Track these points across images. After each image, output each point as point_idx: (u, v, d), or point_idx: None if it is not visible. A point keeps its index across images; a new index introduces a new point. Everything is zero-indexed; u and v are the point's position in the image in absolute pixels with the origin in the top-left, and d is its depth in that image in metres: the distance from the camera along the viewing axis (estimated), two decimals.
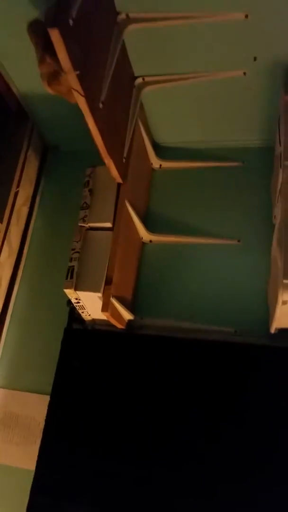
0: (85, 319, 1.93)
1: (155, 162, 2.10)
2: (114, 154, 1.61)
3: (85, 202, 1.78)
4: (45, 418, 1.79)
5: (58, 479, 1.71)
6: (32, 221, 2.25)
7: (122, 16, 1.48)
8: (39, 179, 2.32)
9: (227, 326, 1.80)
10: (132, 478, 1.65)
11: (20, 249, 2.19)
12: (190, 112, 1.94)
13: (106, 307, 1.67)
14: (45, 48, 1.27)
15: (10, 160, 2.11)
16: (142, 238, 2.02)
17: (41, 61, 1.31)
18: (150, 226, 2.02)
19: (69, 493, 1.69)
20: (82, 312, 1.88)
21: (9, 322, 2.10)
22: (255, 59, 1.61)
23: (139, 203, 1.97)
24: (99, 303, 1.70)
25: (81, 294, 1.71)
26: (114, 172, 1.67)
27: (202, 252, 1.96)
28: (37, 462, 1.73)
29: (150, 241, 2.03)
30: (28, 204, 2.24)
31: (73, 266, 1.70)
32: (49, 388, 1.83)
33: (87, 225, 1.75)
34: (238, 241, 1.94)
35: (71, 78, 1.22)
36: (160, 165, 2.12)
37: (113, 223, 1.73)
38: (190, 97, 1.85)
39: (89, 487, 1.67)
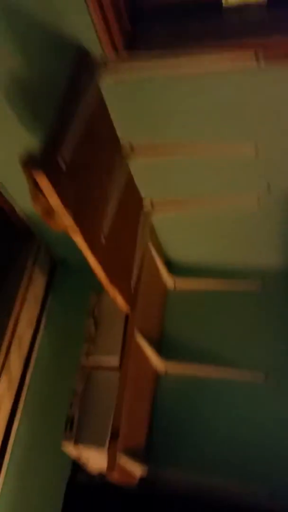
0: (91, 470, 1.62)
1: (169, 282, 1.92)
2: (121, 284, 1.44)
3: (89, 334, 1.57)
4: None
5: None
6: (37, 345, 2.04)
7: (126, 147, 1.40)
8: (46, 295, 2.16)
9: (259, 484, 1.45)
10: None
11: (22, 377, 1.96)
12: (203, 234, 1.79)
13: (112, 466, 1.38)
14: (37, 185, 1.16)
15: (13, 282, 1.97)
16: (156, 368, 1.76)
17: (33, 198, 1.20)
18: (165, 352, 1.77)
19: None
20: (87, 465, 1.57)
21: (7, 469, 1.79)
22: (268, 186, 1.48)
23: (152, 329, 1.75)
24: (105, 457, 1.40)
25: (83, 449, 1.43)
26: (121, 302, 1.48)
27: (224, 387, 1.68)
28: None
29: (166, 372, 1.77)
30: (33, 325, 2.05)
31: (73, 414, 1.44)
32: None
33: (90, 363, 1.52)
34: (265, 376, 1.66)
35: (64, 218, 1.09)
36: (175, 284, 1.93)
37: (121, 360, 1.50)
38: (202, 219, 1.71)
39: None
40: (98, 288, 1.58)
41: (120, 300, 1.47)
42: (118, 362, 1.49)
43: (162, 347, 1.80)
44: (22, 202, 1.85)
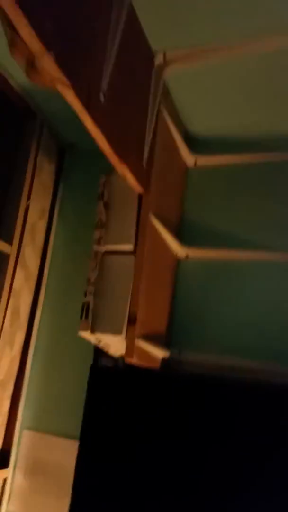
0: (113, 355, 1.60)
1: (189, 159, 1.68)
2: (130, 159, 1.24)
3: (100, 219, 1.42)
4: (74, 469, 1.52)
5: None
6: (52, 236, 1.94)
7: None
8: (56, 185, 1.99)
9: (281, 363, 1.40)
10: None
11: (40, 269, 1.90)
12: (230, 93, 1.48)
13: (130, 352, 1.33)
14: (13, 26, 0.91)
15: (18, 169, 1.80)
16: (176, 254, 1.63)
17: (11, 44, 0.95)
18: (186, 237, 1.63)
19: None
20: (108, 350, 1.55)
21: (33, 356, 1.83)
22: None
23: (169, 212, 1.58)
24: (123, 343, 1.36)
25: (100, 336, 1.38)
26: (132, 181, 1.29)
27: (251, 269, 1.55)
28: None
29: (187, 256, 1.64)
30: (46, 217, 1.93)
31: (88, 302, 1.37)
32: (78, 432, 1.54)
33: (103, 249, 1.40)
34: None
35: (47, 65, 0.86)
36: (195, 161, 1.69)
37: (135, 245, 1.36)
38: (226, 74, 1.40)
39: None
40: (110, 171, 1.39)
41: (130, 178, 1.28)
42: (133, 247, 1.36)
43: (182, 231, 1.65)
44: (17, 73, 1.58)
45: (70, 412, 1.69)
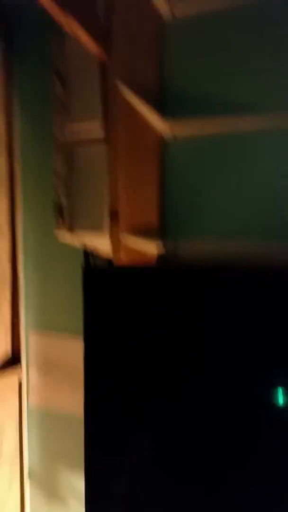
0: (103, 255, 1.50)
1: (164, 8, 1.31)
2: (79, 10, 0.94)
3: (58, 99, 1.17)
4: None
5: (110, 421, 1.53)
6: (16, 131, 1.68)
7: None
8: (10, 64, 1.65)
9: (283, 245, 1.29)
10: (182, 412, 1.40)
11: (11, 170, 1.69)
12: None
13: (117, 249, 1.21)
14: None
15: None
16: (159, 130, 1.40)
17: None
18: (169, 110, 1.37)
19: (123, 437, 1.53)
20: (97, 251, 1.44)
21: (24, 262, 1.74)
22: None
23: (144, 79, 1.30)
24: (108, 240, 1.23)
25: (81, 236, 1.24)
26: (87, 41, 1.01)
27: (248, 141, 1.32)
28: (85, 411, 1.54)
29: (173, 133, 1.40)
30: (2, 109, 1.64)
31: (60, 199, 1.20)
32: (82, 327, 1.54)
33: (68, 138, 1.18)
34: None
35: None
36: (173, 11, 1.32)
37: (106, 125, 1.14)
38: None
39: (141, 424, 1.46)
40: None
41: (84, 37, 1.00)
42: (101, 129, 1.13)
43: (164, 102, 1.38)
44: None
45: (72, 310, 1.66)
